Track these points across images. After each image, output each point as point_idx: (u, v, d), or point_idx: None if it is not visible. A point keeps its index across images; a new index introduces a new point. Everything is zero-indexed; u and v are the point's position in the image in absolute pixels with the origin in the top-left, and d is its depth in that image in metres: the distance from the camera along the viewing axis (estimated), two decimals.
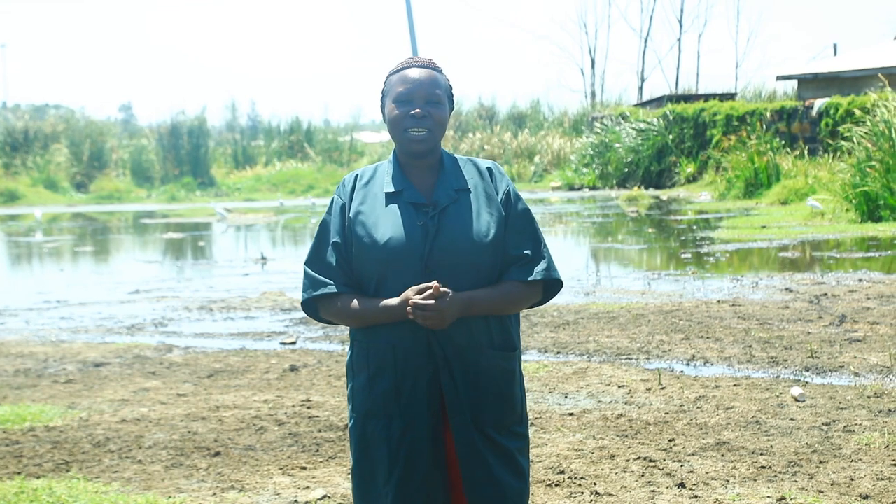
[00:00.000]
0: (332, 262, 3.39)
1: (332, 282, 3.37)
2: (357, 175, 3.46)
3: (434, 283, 3.21)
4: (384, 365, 3.33)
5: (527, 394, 7.70)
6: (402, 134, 3.36)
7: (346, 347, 9.89)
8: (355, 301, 3.35)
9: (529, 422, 6.92)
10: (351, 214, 3.37)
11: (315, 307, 3.45)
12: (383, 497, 3.36)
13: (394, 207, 3.34)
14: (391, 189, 3.37)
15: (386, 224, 3.32)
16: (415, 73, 3.38)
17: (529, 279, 3.37)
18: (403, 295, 3.26)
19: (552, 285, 3.46)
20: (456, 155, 3.49)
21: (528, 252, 3.39)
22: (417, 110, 3.34)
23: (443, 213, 3.34)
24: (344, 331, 10.81)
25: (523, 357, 9.17)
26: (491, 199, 3.39)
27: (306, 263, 3.45)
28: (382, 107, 3.44)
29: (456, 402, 3.31)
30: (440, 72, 3.43)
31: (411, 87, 3.36)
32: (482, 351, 3.33)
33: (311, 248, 3.46)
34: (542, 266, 3.39)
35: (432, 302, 3.20)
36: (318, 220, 3.49)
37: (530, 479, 5.74)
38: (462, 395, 3.31)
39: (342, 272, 3.38)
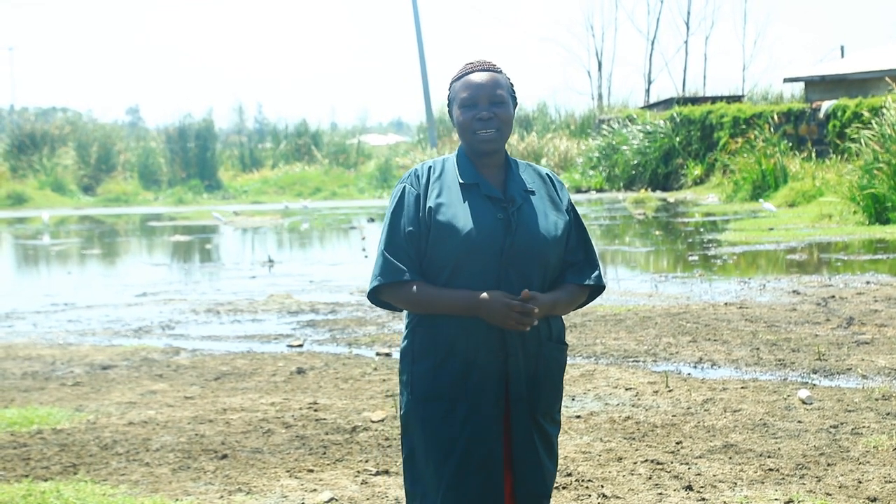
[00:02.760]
0: (407, 250, 3.51)
1: (406, 269, 3.49)
2: (430, 167, 3.60)
3: (525, 292, 3.40)
4: (454, 349, 3.47)
5: None
6: (471, 136, 3.53)
7: (353, 350, 9.91)
8: (428, 289, 3.48)
9: None
10: (431, 204, 3.50)
11: (378, 291, 3.55)
12: (438, 480, 3.47)
13: (471, 199, 3.51)
14: (466, 181, 3.54)
15: (466, 215, 3.48)
16: (477, 77, 3.55)
17: (586, 283, 3.61)
18: (484, 295, 3.41)
19: (597, 290, 3.69)
20: (515, 158, 3.67)
21: (582, 258, 3.63)
22: (484, 113, 3.51)
23: (519, 210, 3.52)
24: (351, 333, 10.82)
25: None
26: (554, 202, 3.61)
27: (385, 249, 3.53)
28: (450, 112, 3.61)
29: (518, 389, 3.49)
30: (500, 72, 3.60)
31: (475, 91, 3.53)
32: (543, 343, 3.54)
33: (385, 234, 3.55)
34: (595, 272, 3.64)
35: (536, 309, 3.40)
36: (390, 208, 3.59)
37: None
38: (524, 382, 3.50)
39: (416, 261, 3.51)
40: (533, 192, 3.57)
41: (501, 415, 3.48)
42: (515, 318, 3.38)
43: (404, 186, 3.56)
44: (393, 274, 3.49)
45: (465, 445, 3.45)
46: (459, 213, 3.48)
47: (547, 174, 3.66)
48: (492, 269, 3.44)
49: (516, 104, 3.64)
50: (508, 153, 3.66)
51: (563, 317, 3.67)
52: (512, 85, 3.62)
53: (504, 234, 3.46)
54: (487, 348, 3.46)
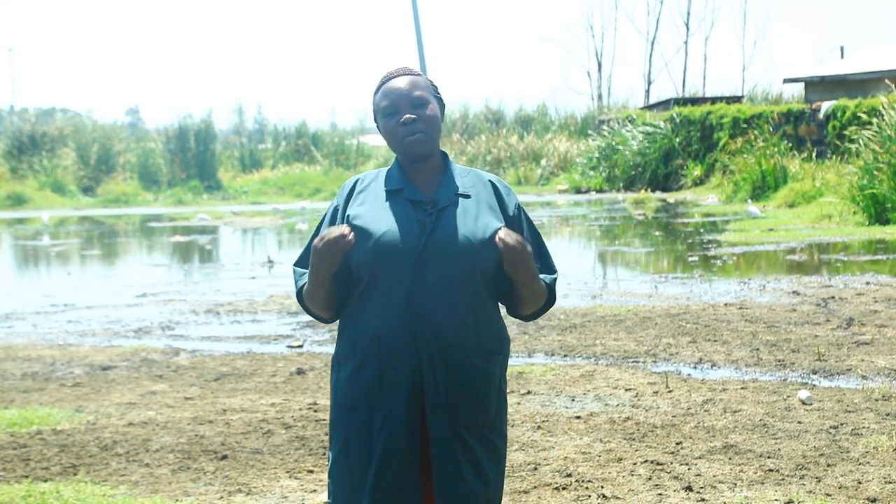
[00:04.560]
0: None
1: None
2: (358, 179, 3.55)
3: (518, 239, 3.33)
4: (370, 355, 3.38)
5: (533, 397, 7.70)
6: (399, 143, 3.45)
7: None
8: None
9: (537, 425, 6.92)
10: (351, 212, 3.45)
11: (303, 304, 3.56)
12: (359, 491, 3.38)
13: (393, 204, 3.43)
14: (391, 187, 3.46)
15: (384, 218, 3.40)
16: (393, 83, 3.48)
17: (547, 282, 3.50)
18: (318, 238, 3.34)
19: (549, 301, 3.56)
20: (459, 165, 3.57)
21: (539, 265, 3.51)
22: (406, 116, 3.43)
23: (442, 212, 3.41)
24: None
25: (530, 360, 9.17)
26: (492, 207, 3.47)
27: (294, 263, 3.61)
28: (377, 125, 3.54)
29: (435, 395, 3.36)
30: (418, 74, 3.53)
31: (394, 98, 3.46)
32: (464, 350, 3.39)
33: (303, 249, 3.59)
34: (552, 278, 3.53)
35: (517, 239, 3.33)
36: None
37: (541, 482, 5.75)
38: (441, 389, 3.36)
39: None
40: (468, 196, 3.45)
41: (417, 425, 3.36)
42: (332, 240, 3.29)
43: (333, 201, 3.55)
44: (298, 281, 3.54)
45: (380, 457, 3.34)
46: (377, 218, 3.40)
47: (490, 180, 3.52)
48: (407, 271, 3.34)
49: (444, 106, 3.55)
50: (449, 155, 3.57)
51: (500, 324, 3.49)
52: (434, 86, 3.54)
53: (419, 235, 3.36)
54: (400, 353, 3.35)
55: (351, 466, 3.40)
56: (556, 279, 3.53)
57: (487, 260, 3.39)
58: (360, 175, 3.57)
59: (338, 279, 3.46)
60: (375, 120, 3.53)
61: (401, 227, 3.37)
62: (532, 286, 3.42)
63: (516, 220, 3.49)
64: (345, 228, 3.32)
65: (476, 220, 3.41)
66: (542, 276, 3.48)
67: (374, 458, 3.35)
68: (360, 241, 3.39)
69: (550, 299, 3.55)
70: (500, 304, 3.53)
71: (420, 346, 3.35)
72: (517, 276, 3.37)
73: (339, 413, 3.45)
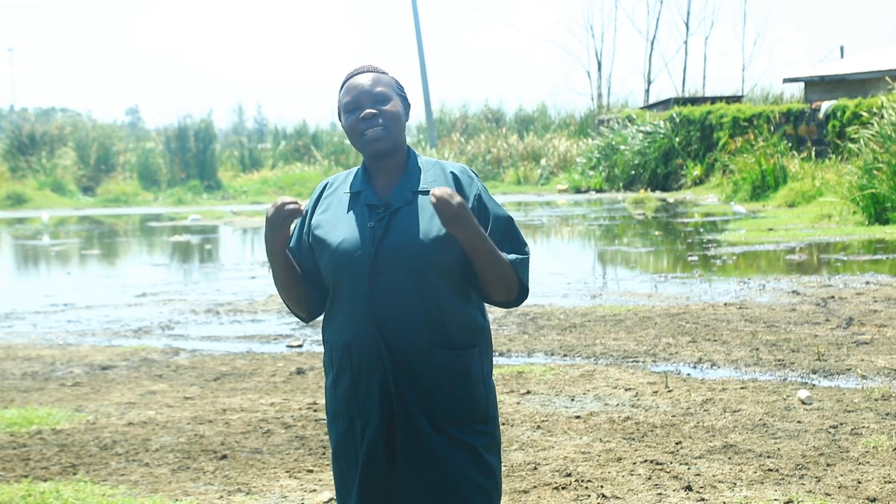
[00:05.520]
0: None
1: None
2: (327, 183, 3.54)
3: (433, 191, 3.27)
4: (343, 364, 3.39)
5: (533, 396, 7.71)
6: (359, 139, 3.41)
7: None
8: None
9: (536, 425, 6.93)
10: (312, 220, 3.46)
11: (279, 293, 3.55)
12: (349, 493, 3.42)
13: (352, 209, 3.41)
14: (352, 191, 3.44)
15: (342, 226, 3.39)
16: (356, 80, 3.46)
17: (511, 258, 3.37)
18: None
19: (521, 291, 3.45)
20: (426, 157, 3.51)
21: (507, 250, 3.39)
22: (367, 111, 3.39)
23: (394, 215, 3.37)
24: None
25: (530, 360, 9.17)
26: None
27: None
28: (341, 122, 3.50)
29: (402, 402, 3.34)
30: (384, 73, 3.50)
31: (356, 94, 3.43)
32: (434, 350, 3.34)
33: None
34: (517, 256, 3.39)
35: (448, 192, 3.21)
36: None
37: (541, 481, 5.75)
38: (409, 395, 3.33)
39: None
40: (426, 193, 3.37)
41: (394, 430, 3.35)
42: (277, 207, 3.28)
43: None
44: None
45: (362, 462, 3.36)
46: (335, 227, 3.40)
47: (451, 171, 3.43)
48: (363, 279, 3.32)
49: (409, 105, 3.51)
50: (417, 153, 3.48)
51: (479, 315, 3.42)
52: (398, 84, 3.51)
53: (371, 242, 3.33)
54: (368, 362, 3.34)
55: (341, 469, 3.44)
56: (524, 259, 3.40)
57: (445, 254, 3.33)
58: (329, 178, 3.55)
59: (307, 277, 3.45)
60: (340, 117, 3.50)
61: (356, 234, 3.36)
62: (480, 246, 3.27)
63: (474, 210, 3.39)
64: (293, 199, 3.32)
65: (432, 216, 3.35)
66: (509, 255, 3.37)
67: (358, 462, 3.37)
68: (322, 251, 3.40)
69: (522, 288, 3.42)
70: (474, 293, 3.43)
71: (383, 354, 3.33)
72: (460, 235, 3.25)
73: (329, 419, 3.48)
